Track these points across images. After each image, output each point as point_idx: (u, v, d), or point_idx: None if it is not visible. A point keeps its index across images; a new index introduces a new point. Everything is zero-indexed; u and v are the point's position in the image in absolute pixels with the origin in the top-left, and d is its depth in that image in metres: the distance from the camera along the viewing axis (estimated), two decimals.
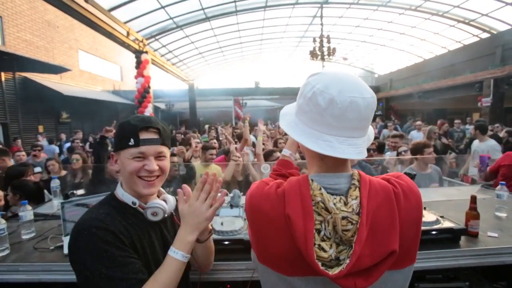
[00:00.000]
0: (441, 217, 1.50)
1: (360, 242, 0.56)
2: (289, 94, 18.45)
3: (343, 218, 0.58)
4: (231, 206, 1.60)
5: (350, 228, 0.58)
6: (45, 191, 2.47)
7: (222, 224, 1.38)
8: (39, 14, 10.95)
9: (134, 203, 0.85)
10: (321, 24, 11.31)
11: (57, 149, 7.54)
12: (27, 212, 1.49)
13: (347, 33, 15.21)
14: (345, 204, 0.60)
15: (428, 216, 1.50)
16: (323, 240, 0.59)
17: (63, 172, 3.19)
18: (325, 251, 0.58)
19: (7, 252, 1.32)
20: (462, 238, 1.40)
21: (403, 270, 0.66)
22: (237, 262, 1.20)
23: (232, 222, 1.41)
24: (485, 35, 11.56)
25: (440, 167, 2.96)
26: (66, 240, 1.40)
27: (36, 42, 10.79)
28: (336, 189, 0.64)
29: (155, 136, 0.84)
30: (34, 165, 3.71)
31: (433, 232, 1.38)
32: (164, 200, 0.91)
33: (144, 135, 0.83)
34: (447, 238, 1.39)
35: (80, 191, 2.10)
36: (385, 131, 7.90)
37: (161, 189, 0.95)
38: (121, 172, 0.86)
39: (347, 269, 0.55)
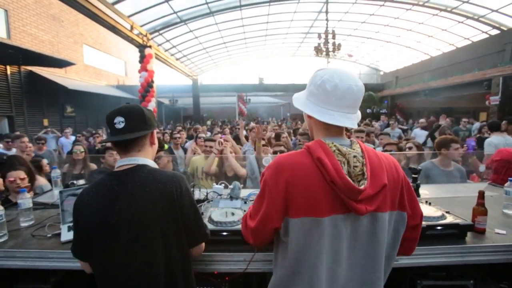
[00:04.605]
0: (447, 212, 1.46)
1: (368, 169, 0.83)
2: (293, 91, 18.21)
3: (354, 156, 0.83)
4: (231, 198, 1.57)
5: (358, 165, 0.83)
6: (47, 181, 2.47)
7: (226, 215, 1.36)
8: (44, 8, 10.98)
9: None
10: (326, 20, 11.16)
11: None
12: (25, 200, 1.48)
13: (353, 29, 15.01)
14: (352, 149, 0.86)
15: (433, 211, 1.45)
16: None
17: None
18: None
19: (5, 238, 1.32)
20: (469, 234, 1.36)
21: (385, 213, 0.87)
22: (235, 253, 1.17)
23: (231, 213, 1.38)
24: (495, 32, 11.31)
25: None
26: (64, 228, 1.39)
27: (41, 36, 10.84)
28: (342, 144, 0.87)
29: None
30: (42, 156, 3.82)
31: (438, 228, 1.33)
32: None
33: None
34: (453, 234, 1.34)
35: (81, 181, 2.09)
36: (387, 130, 7.81)
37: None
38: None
39: (367, 185, 0.81)
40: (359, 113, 0.93)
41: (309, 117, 0.93)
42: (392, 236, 0.92)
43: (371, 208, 0.81)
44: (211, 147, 3.37)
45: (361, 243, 0.86)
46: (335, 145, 0.84)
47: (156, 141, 1.10)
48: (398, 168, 0.92)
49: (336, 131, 0.89)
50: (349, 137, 0.94)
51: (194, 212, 1.01)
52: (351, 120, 0.87)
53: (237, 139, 4.43)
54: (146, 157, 1.04)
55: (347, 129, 0.99)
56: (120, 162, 1.01)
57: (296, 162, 0.85)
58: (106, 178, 0.99)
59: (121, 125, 0.97)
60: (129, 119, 0.98)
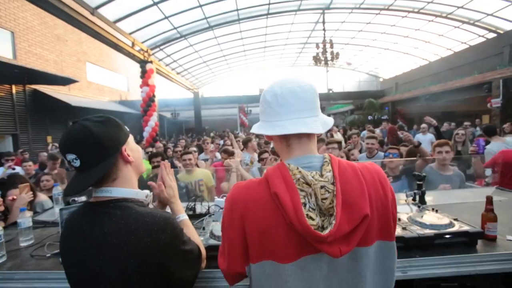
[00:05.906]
0: (455, 219, 1.41)
1: (339, 205, 0.66)
2: None
3: (321, 187, 0.68)
4: None
5: (328, 196, 0.68)
6: (48, 198, 2.47)
7: None
8: (49, 29, 11.31)
9: (147, 196, 0.94)
10: (324, 30, 11.37)
11: None
12: (25, 219, 1.46)
13: (350, 38, 15.23)
14: (321, 176, 0.70)
15: (440, 219, 1.41)
16: (309, 212, 0.68)
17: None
18: (313, 219, 0.67)
19: (3, 259, 1.29)
20: (479, 242, 1.31)
21: (372, 246, 0.73)
22: None
23: None
24: (491, 35, 11.40)
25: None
26: None
27: (45, 55, 11.12)
28: (310, 167, 0.74)
29: None
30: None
31: (447, 236, 1.30)
32: None
33: None
34: (462, 242, 1.30)
35: (82, 198, 2.07)
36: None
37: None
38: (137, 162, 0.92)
39: (335, 228, 0.64)
40: (325, 118, 0.80)
41: (269, 138, 0.86)
42: (382, 272, 0.76)
43: (348, 248, 0.66)
44: (190, 159, 3.34)
45: (343, 284, 0.72)
46: (299, 171, 0.70)
47: (131, 155, 0.88)
48: (385, 184, 0.76)
49: (300, 146, 0.77)
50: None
51: (183, 264, 0.84)
52: (307, 124, 0.74)
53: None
54: (123, 186, 0.86)
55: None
56: (95, 192, 0.85)
57: (251, 196, 0.73)
58: (81, 210, 0.86)
59: (77, 163, 0.79)
60: (81, 154, 0.79)
